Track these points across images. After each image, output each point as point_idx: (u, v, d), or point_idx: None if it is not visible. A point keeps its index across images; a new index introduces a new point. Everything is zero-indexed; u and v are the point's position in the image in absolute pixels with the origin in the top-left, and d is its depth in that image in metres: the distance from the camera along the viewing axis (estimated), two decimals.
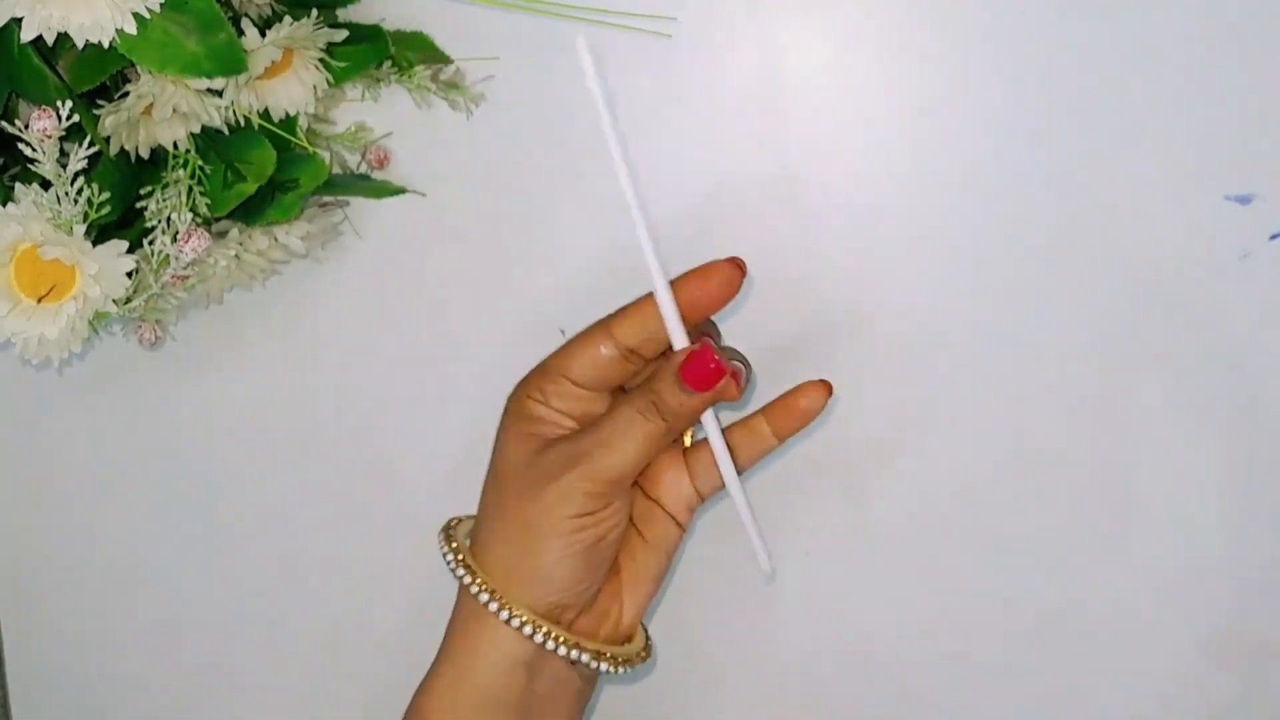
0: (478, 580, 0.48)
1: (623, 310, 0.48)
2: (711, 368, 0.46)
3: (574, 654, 0.47)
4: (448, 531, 0.50)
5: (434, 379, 0.59)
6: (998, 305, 0.55)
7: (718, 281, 0.47)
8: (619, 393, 0.50)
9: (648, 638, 0.51)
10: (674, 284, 0.47)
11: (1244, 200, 0.54)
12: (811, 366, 0.56)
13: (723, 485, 0.50)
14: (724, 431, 0.50)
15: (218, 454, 0.60)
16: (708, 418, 0.48)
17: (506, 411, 0.50)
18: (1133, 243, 0.54)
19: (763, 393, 0.56)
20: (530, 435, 0.48)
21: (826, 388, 0.49)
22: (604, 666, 0.48)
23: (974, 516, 0.56)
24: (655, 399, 0.47)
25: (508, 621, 0.47)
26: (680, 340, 0.47)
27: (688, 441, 0.52)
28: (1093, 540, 0.56)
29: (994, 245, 0.55)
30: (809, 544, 0.58)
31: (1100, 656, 0.57)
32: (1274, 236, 0.54)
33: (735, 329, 0.56)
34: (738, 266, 0.47)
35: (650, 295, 0.47)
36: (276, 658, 0.61)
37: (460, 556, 0.49)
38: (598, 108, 0.44)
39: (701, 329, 0.49)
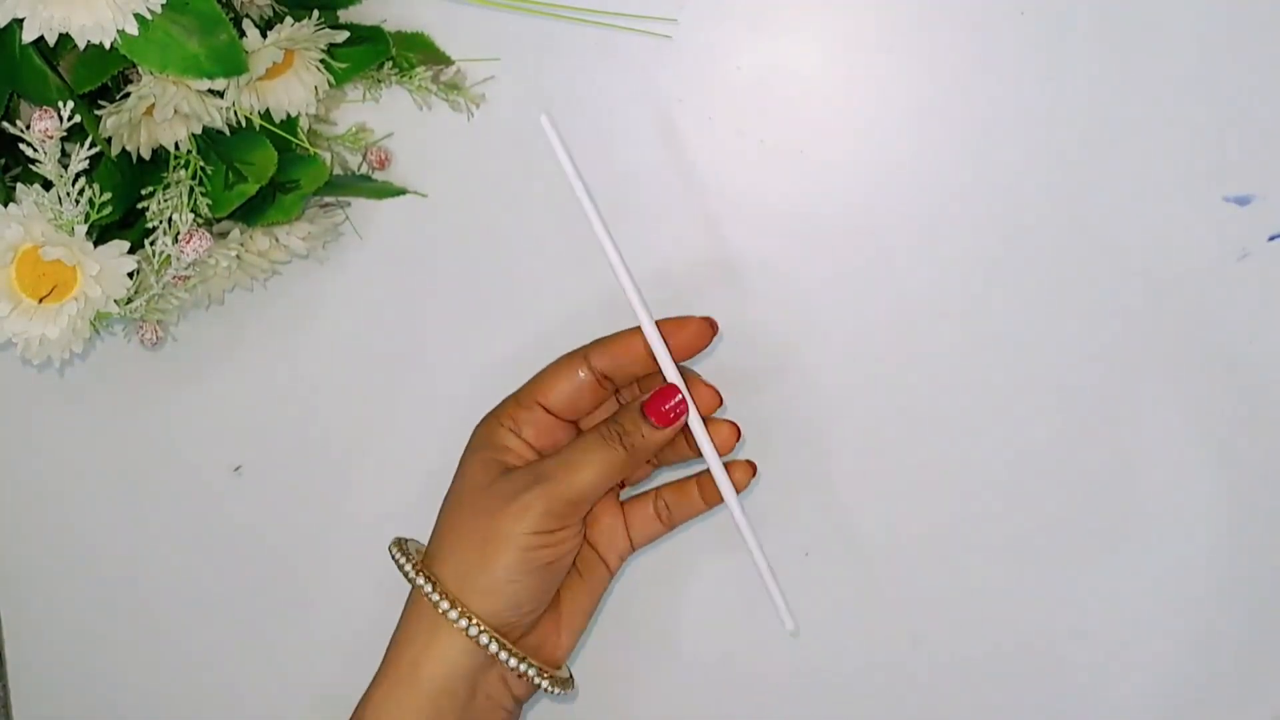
0: (437, 589, 0.49)
1: (601, 341, 0.51)
2: (671, 406, 0.49)
3: (522, 666, 0.49)
4: (401, 544, 0.52)
5: (434, 379, 0.59)
6: (997, 305, 0.56)
7: (691, 333, 0.50)
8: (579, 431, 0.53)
9: (569, 671, 0.53)
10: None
11: (1243, 201, 0.54)
12: (810, 365, 0.56)
13: (655, 537, 0.53)
14: (661, 488, 0.53)
15: (218, 454, 0.60)
16: (713, 462, 0.51)
17: (475, 437, 0.52)
18: (1133, 243, 0.55)
19: (766, 392, 0.56)
20: (495, 461, 0.50)
21: (752, 469, 0.52)
22: (545, 684, 0.50)
23: (973, 516, 0.57)
24: (619, 429, 0.49)
25: (465, 630, 0.48)
26: (671, 374, 0.50)
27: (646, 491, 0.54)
28: (1092, 540, 0.56)
29: (993, 245, 0.55)
30: (808, 545, 0.58)
31: (1099, 656, 0.57)
32: (1273, 237, 0.54)
33: (734, 329, 0.56)
34: (711, 326, 0.51)
35: (630, 331, 0.50)
36: (276, 657, 0.61)
37: (417, 564, 0.50)
38: (568, 178, 0.49)
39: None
